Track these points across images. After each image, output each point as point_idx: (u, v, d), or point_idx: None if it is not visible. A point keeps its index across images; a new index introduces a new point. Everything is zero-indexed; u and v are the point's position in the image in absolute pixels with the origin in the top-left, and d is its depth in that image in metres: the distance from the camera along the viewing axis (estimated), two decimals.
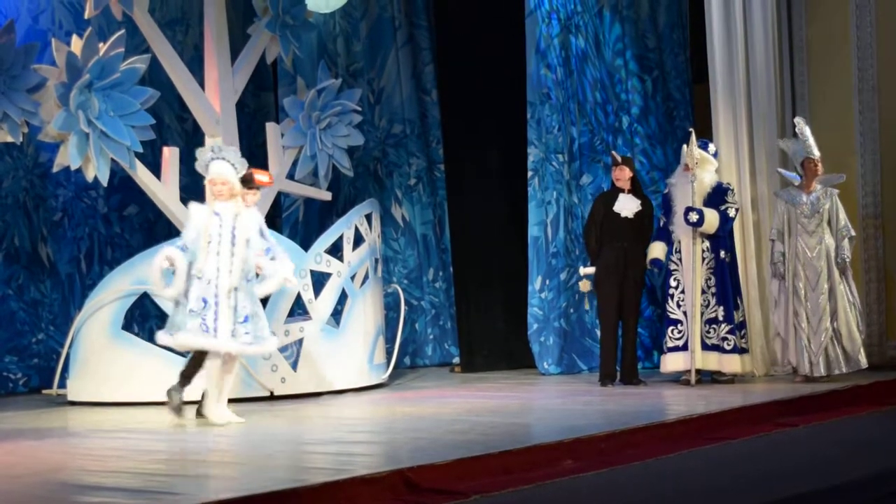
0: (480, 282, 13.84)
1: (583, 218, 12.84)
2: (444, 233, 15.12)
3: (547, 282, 13.14)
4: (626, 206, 12.01)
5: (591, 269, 12.02)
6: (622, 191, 12.05)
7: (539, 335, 13.13)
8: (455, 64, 14.50)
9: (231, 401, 11.25)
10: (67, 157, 11.11)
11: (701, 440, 9.01)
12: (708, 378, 11.91)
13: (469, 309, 14.00)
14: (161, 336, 9.83)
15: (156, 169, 12.01)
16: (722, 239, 11.86)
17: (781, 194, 11.97)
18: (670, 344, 11.81)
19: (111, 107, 11.23)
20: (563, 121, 13.35)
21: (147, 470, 7.58)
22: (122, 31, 11.50)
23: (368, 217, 12.37)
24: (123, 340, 11.46)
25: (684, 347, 11.74)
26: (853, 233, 11.83)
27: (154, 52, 11.99)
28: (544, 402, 11.14)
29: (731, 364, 11.77)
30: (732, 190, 12.02)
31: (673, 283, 11.86)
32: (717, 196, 11.85)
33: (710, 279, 11.78)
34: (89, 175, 11.28)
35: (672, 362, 11.81)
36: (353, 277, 12.09)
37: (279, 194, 13.29)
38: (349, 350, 11.99)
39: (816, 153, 11.78)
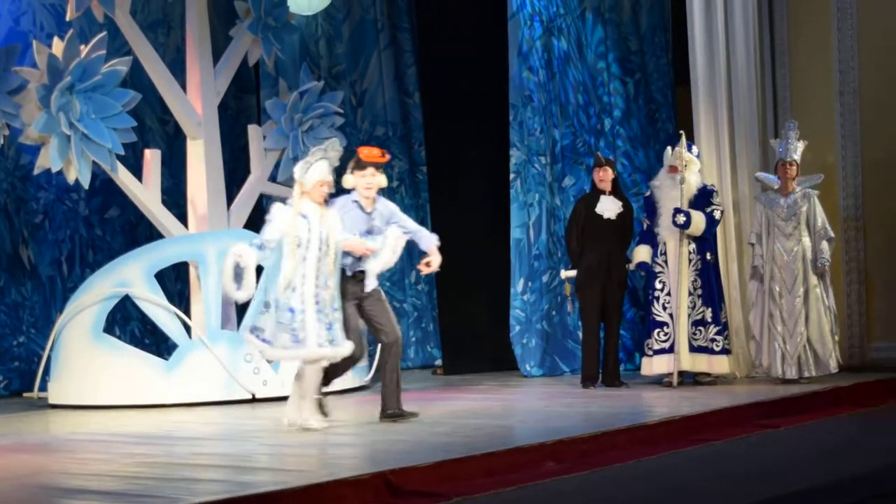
0: (463, 284, 13.85)
1: (565, 220, 12.87)
2: None
3: (529, 284, 13.17)
4: (608, 207, 12.04)
5: (572, 272, 12.05)
6: (603, 192, 12.08)
7: (521, 337, 13.16)
8: (437, 66, 14.52)
9: (211, 404, 11.28)
10: (48, 160, 11.10)
11: (682, 442, 9.04)
12: (690, 380, 11.95)
13: (451, 311, 14.02)
14: (248, 336, 9.26)
15: (137, 171, 12.01)
16: (707, 241, 11.90)
17: (760, 198, 12.03)
18: (656, 346, 11.82)
19: (92, 109, 11.23)
20: (545, 123, 13.38)
21: (129, 473, 7.57)
22: (104, 34, 11.50)
23: None
24: (105, 343, 11.46)
25: (670, 349, 11.76)
26: (832, 234, 11.88)
27: (136, 54, 12.00)
28: (526, 404, 11.16)
29: (720, 365, 11.81)
30: (717, 192, 12.07)
31: (658, 286, 11.89)
32: (703, 198, 11.89)
33: (696, 281, 11.81)
34: (70, 177, 11.28)
35: (658, 364, 11.82)
36: None
37: (261, 196, 13.29)
38: None
39: (790, 157, 11.82)
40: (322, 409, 9.48)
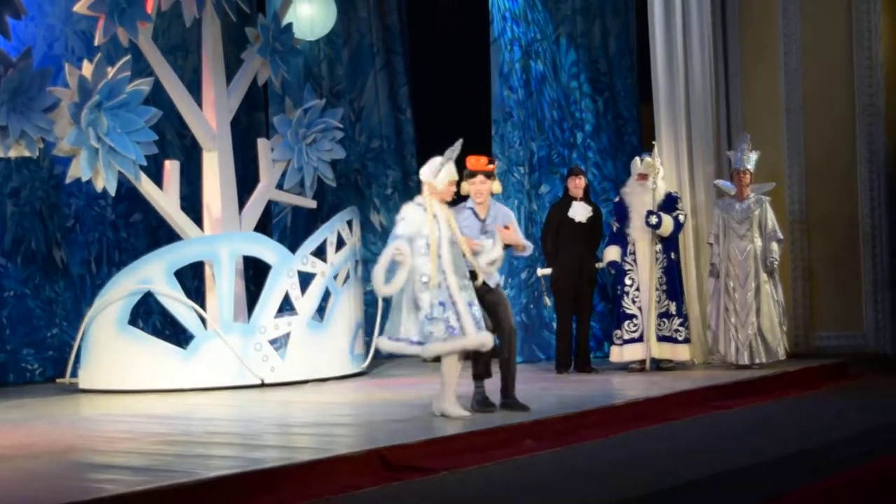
0: None
1: (541, 223, 12.87)
2: None
3: (509, 280, 13.17)
4: (580, 212, 12.05)
5: (548, 270, 12.06)
6: (575, 199, 12.08)
7: None
8: (427, 86, 14.54)
9: (224, 388, 11.28)
10: (79, 170, 11.09)
11: (645, 421, 9.06)
12: (654, 366, 11.96)
13: None
14: (393, 346, 8.65)
15: (158, 180, 11.99)
16: (672, 241, 11.93)
17: (718, 203, 12.07)
18: (626, 336, 11.82)
19: (118, 124, 11.21)
20: (523, 136, 13.40)
21: (151, 450, 7.59)
22: (129, 57, 11.49)
23: (350, 223, 12.38)
24: (129, 334, 11.44)
25: (640, 339, 11.79)
26: (781, 236, 11.91)
27: (157, 75, 11.97)
28: None
29: (682, 353, 11.85)
30: (680, 198, 12.11)
31: (628, 282, 11.89)
32: (669, 204, 11.92)
33: (662, 277, 11.84)
34: (98, 186, 11.26)
35: (629, 353, 11.83)
36: (335, 277, 12.09)
37: (270, 203, 13.28)
38: (332, 342, 11.99)
39: (744, 166, 11.87)
40: (482, 400, 8.96)
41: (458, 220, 8.90)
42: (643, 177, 11.90)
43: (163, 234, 13.22)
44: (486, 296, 8.90)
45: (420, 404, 9.47)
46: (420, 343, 8.53)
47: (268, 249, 11.81)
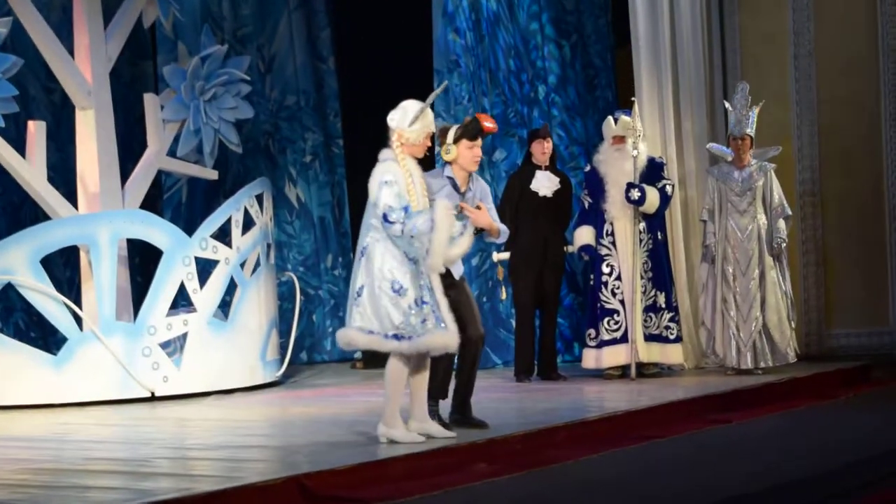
0: None
1: (497, 197, 12.88)
2: (344, 215, 15.12)
3: None
4: (545, 184, 12.07)
5: (505, 255, 12.02)
6: (539, 167, 12.09)
7: None
8: (354, 28, 14.49)
9: (105, 403, 11.22)
10: None
11: (625, 440, 9.10)
12: (633, 371, 11.99)
13: None
14: (354, 335, 8.41)
15: (20, 146, 11.89)
16: (658, 219, 11.95)
17: (712, 171, 12.10)
18: (606, 336, 11.82)
19: None
20: (473, 91, 13.39)
21: (13, 480, 7.51)
22: None
23: (259, 198, 12.34)
24: None
25: (623, 339, 11.79)
26: (789, 212, 11.98)
27: (16, 14, 11.86)
28: None
29: (675, 354, 11.89)
30: (666, 164, 12.13)
31: (606, 270, 11.89)
32: (652, 172, 11.91)
33: (647, 263, 11.85)
34: None
35: (609, 357, 11.82)
36: (242, 265, 12.06)
37: (160, 173, 13.22)
38: (239, 345, 11.97)
39: (739, 131, 11.87)
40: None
41: (433, 189, 8.78)
42: (620, 140, 11.93)
43: (26, 212, 13.12)
44: (448, 291, 8.62)
45: (348, 420, 9.46)
46: (399, 337, 8.29)
47: (158, 231, 11.75)
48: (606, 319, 11.84)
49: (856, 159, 12.92)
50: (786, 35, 13.01)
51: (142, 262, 13.44)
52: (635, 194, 11.73)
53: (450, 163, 9.04)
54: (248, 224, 12.12)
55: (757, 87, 12.26)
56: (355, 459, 7.77)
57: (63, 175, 13.05)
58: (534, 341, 12.08)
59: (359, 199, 13.99)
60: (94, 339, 11.31)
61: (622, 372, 11.86)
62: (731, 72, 13.13)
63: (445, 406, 9.06)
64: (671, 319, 11.87)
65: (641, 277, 11.83)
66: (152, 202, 13.50)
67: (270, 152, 14.85)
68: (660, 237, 11.94)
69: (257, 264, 12.22)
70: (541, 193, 12.03)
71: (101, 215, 11.89)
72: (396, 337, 8.26)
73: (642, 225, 11.88)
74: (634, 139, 11.81)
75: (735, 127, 11.92)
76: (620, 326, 11.83)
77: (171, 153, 12.81)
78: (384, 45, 13.98)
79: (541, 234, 11.98)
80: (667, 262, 11.99)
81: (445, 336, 8.30)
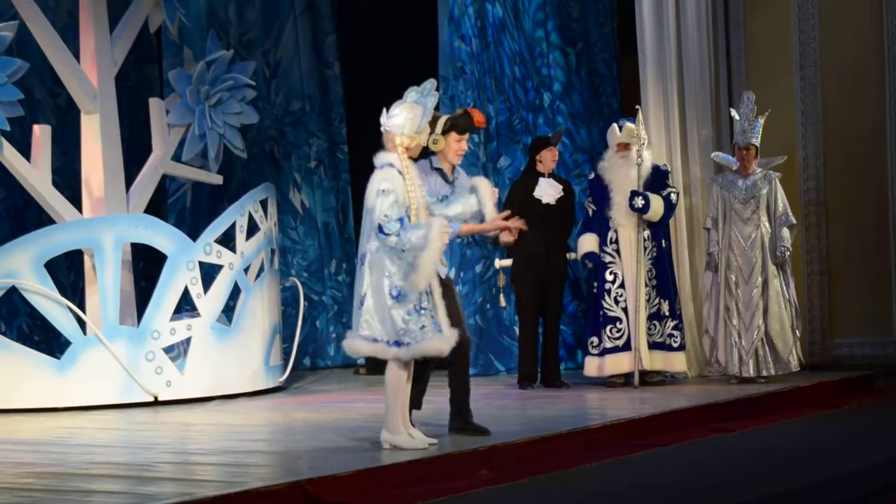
0: None
1: (500, 204, 12.89)
2: (348, 221, 15.12)
3: (461, 274, 13.19)
4: (548, 191, 12.06)
5: (507, 262, 12.05)
6: (542, 175, 12.09)
7: None
8: (359, 34, 14.48)
9: (109, 407, 11.23)
10: None
11: (627, 448, 9.10)
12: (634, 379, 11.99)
13: None
14: (358, 343, 8.40)
15: (25, 149, 11.91)
16: (662, 227, 11.95)
17: (716, 179, 12.12)
18: (609, 344, 11.81)
19: None
20: (478, 97, 13.40)
21: (16, 484, 7.52)
22: None
23: (264, 203, 12.35)
24: None
25: (626, 347, 11.79)
26: (793, 220, 11.99)
27: (22, 18, 11.88)
28: None
29: (678, 363, 11.88)
30: (671, 172, 12.14)
31: (609, 277, 11.89)
32: (657, 179, 11.92)
33: (651, 271, 11.84)
34: None
35: (612, 364, 11.81)
36: (246, 270, 12.06)
37: (164, 178, 13.22)
38: (242, 350, 11.97)
39: (744, 141, 11.89)
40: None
41: (433, 190, 8.79)
42: (624, 147, 11.93)
43: (30, 216, 13.13)
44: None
45: (351, 426, 9.46)
46: (399, 344, 8.26)
47: (162, 236, 11.77)
48: (609, 327, 11.84)
49: (861, 169, 12.91)
50: (791, 44, 13.01)
51: (146, 266, 13.44)
52: (639, 202, 11.74)
53: (435, 153, 9.03)
54: (252, 229, 12.13)
55: (762, 96, 12.26)
56: (358, 465, 7.78)
57: (67, 179, 13.06)
58: (536, 348, 12.07)
59: (363, 205, 14.03)
60: (97, 343, 11.31)
61: (625, 380, 11.86)
62: (736, 80, 13.13)
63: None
64: (675, 327, 11.87)
65: (645, 285, 11.83)
66: (156, 207, 13.52)
67: (275, 157, 14.86)
68: (664, 245, 11.95)
69: (261, 269, 12.22)
70: (544, 201, 12.02)
71: (106, 219, 11.90)
72: (398, 344, 8.25)
73: (646, 233, 11.88)
74: (639, 147, 11.83)
75: (740, 136, 11.93)
76: (623, 334, 11.83)
77: (176, 158, 12.83)
78: (390, 51, 13.98)
79: (543, 241, 11.95)
80: (671, 270, 12.01)
81: (441, 341, 8.28)
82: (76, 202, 12.24)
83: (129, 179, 12.49)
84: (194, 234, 11.97)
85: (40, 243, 11.46)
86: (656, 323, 11.84)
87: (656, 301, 11.85)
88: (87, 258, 11.99)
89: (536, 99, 13.69)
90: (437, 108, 8.82)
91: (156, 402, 11.39)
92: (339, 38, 15.19)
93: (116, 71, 12.48)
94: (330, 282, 14.96)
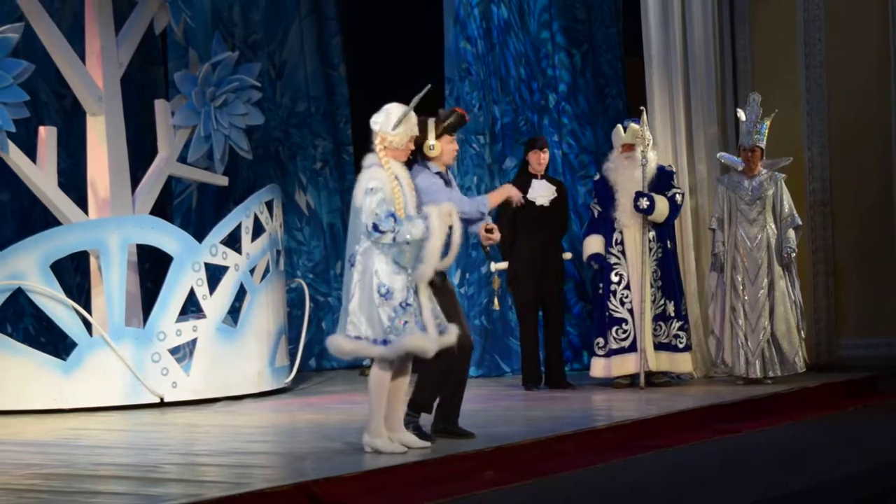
0: None
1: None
2: None
3: (467, 275, 13.19)
4: (542, 193, 12.03)
5: (503, 265, 11.99)
6: (535, 176, 12.07)
7: None
8: (365, 36, 14.48)
9: (115, 408, 11.24)
10: None
11: (633, 448, 9.10)
12: (640, 380, 11.99)
13: None
14: (340, 341, 8.30)
15: (31, 151, 11.92)
16: (668, 227, 11.95)
17: (722, 179, 12.12)
18: (615, 346, 11.81)
19: None
20: (483, 99, 13.41)
21: (23, 485, 7.53)
22: None
23: (269, 204, 12.36)
24: None
25: (632, 348, 11.79)
26: (799, 222, 11.98)
27: (28, 19, 11.89)
28: (463, 408, 11.16)
29: (684, 364, 11.88)
30: (676, 173, 12.14)
31: (615, 279, 11.88)
32: (662, 180, 11.92)
33: (656, 272, 11.84)
34: None
35: (618, 366, 11.82)
36: (252, 271, 12.07)
37: (170, 179, 13.23)
38: (248, 351, 11.98)
39: (750, 142, 11.88)
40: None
41: (424, 186, 8.73)
42: (629, 148, 11.93)
43: (36, 217, 13.14)
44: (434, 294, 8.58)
45: (356, 428, 9.45)
46: (385, 342, 8.21)
47: (168, 237, 11.78)
48: (615, 328, 11.84)
49: (866, 170, 12.92)
50: (796, 45, 13.01)
51: (152, 267, 13.45)
52: (644, 203, 11.74)
53: (430, 158, 9.00)
54: (257, 230, 12.14)
55: (768, 97, 12.26)
56: (363, 466, 7.79)
57: (73, 180, 13.07)
58: (538, 349, 12.06)
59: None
60: (103, 344, 11.33)
61: (631, 381, 11.86)
62: (742, 81, 13.14)
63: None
64: (680, 328, 11.87)
65: (651, 286, 11.83)
66: (162, 208, 13.53)
67: (280, 159, 14.87)
68: (669, 246, 11.94)
69: (267, 271, 12.23)
70: (538, 203, 11.98)
71: (112, 221, 11.91)
72: (384, 342, 8.21)
73: (652, 233, 11.88)
74: (644, 148, 11.84)
75: (746, 138, 11.92)
76: (629, 335, 11.84)
77: (182, 159, 12.83)
78: (395, 53, 13.98)
79: (537, 243, 11.93)
80: (676, 271, 12.00)
81: (424, 339, 8.21)
82: (82, 204, 12.25)
83: (135, 181, 12.50)
84: (200, 236, 11.98)
85: (46, 245, 11.47)
86: (662, 324, 11.84)
87: (662, 302, 11.85)
88: (92, 260, 12.01)
89: (542, 100, 13.69)
90: (437, 114, 8.85)
91: (162, 404, 11.40)
92: (344, 40, 15.19)
93: (122, 72, 12.49)
94: (335, 283, 14.95)
